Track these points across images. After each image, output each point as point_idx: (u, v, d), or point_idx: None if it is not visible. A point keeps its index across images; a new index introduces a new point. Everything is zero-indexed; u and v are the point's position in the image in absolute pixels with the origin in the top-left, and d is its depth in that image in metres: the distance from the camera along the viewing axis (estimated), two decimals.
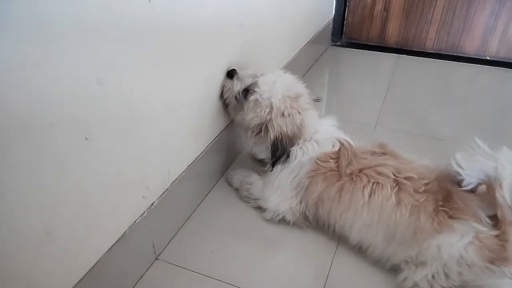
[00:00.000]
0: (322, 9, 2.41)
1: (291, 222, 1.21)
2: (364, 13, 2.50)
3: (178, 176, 1.16)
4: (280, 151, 1.16)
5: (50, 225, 0.74)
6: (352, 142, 1.17)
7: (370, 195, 1.04)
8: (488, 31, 2.27)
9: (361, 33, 2.58)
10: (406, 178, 1.03)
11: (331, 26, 2.60)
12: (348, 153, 1.14)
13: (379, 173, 1.06)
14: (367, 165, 1.09)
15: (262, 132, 1.19)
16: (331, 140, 1.17)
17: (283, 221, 1.23)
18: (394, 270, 1.06)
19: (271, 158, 1.18)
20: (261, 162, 1.39)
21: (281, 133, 1.15)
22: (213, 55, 1.19)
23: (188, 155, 1.21)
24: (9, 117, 0.61)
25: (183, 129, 1.13)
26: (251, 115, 1.19)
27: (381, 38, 2.54)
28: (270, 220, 1.24)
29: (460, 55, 2.40)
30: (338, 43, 2.65)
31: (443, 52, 2.43)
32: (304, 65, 2.24)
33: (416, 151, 1.16)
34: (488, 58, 2.35)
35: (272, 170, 1.21)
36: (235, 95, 1.24)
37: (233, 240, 1.20)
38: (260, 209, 1.28)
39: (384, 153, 1.14)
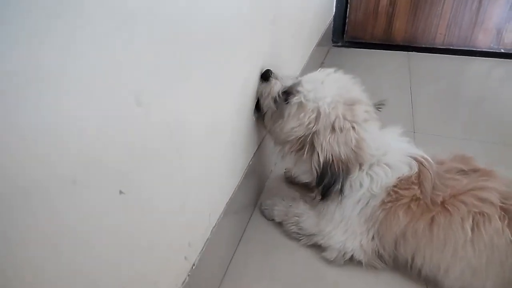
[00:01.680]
0: (324, 8, 2.19)
1: (363, 262, 0.95)
2: (367, 9, 2.31)
3: (218, 219, 0.88)
4: (329, 179, 0.89)
5: None
6: (430, 159, 0.94)
7: (473, 230, 0.80)
8: (502, 22, 2.13)
9: (365, 31, 2.39)
10: None
11: (332, 26, 2.39)
12: (430, 174, 0.89)
13: (481, 200, 0.82)
14: (461, 190, 0.85)
15: (306, 148, 0.92)
16: (407, 160, 0.92)
17: (350, 261, 0.97)
18: None
19: (317, 186, 0.91)
20: (305, 186, 1.13)
21: (332, 154, 0.88)
22: (247, 56, 0.92)
23: (226, 188, 0.93)
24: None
25: (224, 155, 0.86)
26: (292, 123, 0.92)
27: (387, 36, 2.36)
28: (333, 262, 0.98)
29: (473, 49, 2.25)
30: (339, 44, 2.45)
31: (454, 47, 2.28)
32: (314, 70, 2.00)
33: (483, 159, 0.94)
34: (502, 50, 2.21)
35: (321, 200, 0.94)
36: (274, 98, 0.97)
37: None
38: (316, 246, 1.01)
39: (474, 171, 0.91)
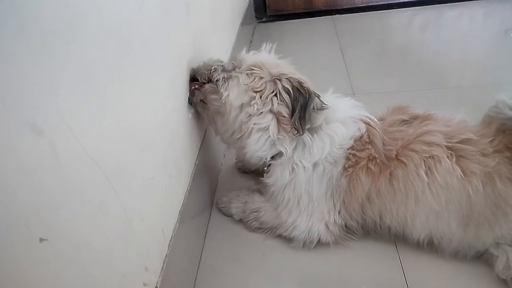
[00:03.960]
0: None
1: (331, 243, 0.94)
2: None
3: (173, 231, 0.82)
4: (304, 98, 0.85)
5: None
6: (374, 118, 0.93)
7: (428, 174, 0.81)
8: None
9: (286, 3, 2.35)
10: (462, 142, 0.82)
11: (252, 3, 2.33)
12: (378, 132, 0.89)
13: (428, 144, 0.83)
14: (409, 139, 0.86)
15: (268, 84, 0.87)
16: (355, 121, 0.90)
17: (318, 243, 0.94)
18: (482, 259, 0.86)
19: (294, 120, 0.85)
20: (258, 174, 1.09)
21: (297, 81, 0.86)
22: (167, 53, 0.84)
23: (175, 196, 0.86)
24: None
25: (164, 164, 0.79)
26: (250, 64, 0.90)
27: (308, 3, 2.34)
28: (303, 248, 0.95)
29: (391, 2, 2.30)
30: (264, 19, 2.40)
31: (374, 3, 2.31)
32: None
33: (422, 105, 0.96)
34: None
35: (302, 133, 0.85)
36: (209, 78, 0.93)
37: None
38: (281, 236, 0.98)
39: (415, 118, 0.91)
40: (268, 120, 0.87)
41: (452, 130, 0.85)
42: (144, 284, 0.66)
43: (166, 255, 0.77)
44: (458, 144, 0.82)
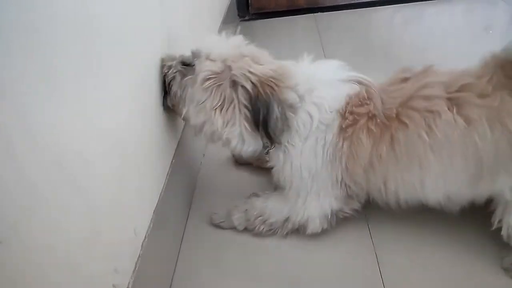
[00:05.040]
0: None
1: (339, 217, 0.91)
2: None
3: (147, 231, 0.80)
4: (263, 109, 0.78)
5: None
6: (369, 79, 0.86)
7: (428, 133, 0.75)
8: None
9: (269, 1, 2.34)
10: (461, 89, 0.75)
11: (235, 1, 2.32)
12: (374, 90, 0.82)
13: (427, 98, 0.76)
14: (408, 94, 0.78)
15: (227, 94, 0.81)
16: (344, 81, 0.84)
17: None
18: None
19: (258, 128, 0.81)
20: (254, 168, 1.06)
21: (251, 79, 0.79)
22: (139, 48, 0.82)
23: (149, 196, 0.85)
24: None
25: (135, 163, 0.77)
26: (205, 74, 0.82)
27: (291, 1, 2.34)
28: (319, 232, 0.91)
29: None
30: (247, 18, 2.39)
31: (356, 1, 2.32)
32: None
33: None
34: None
35: (271, 148, 0.84)
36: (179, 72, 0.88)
37: None
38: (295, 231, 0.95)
39: (415, 74, 0.84)
40: (238, 129, 0.83)
41: (452, 79, 0.77)
42: (114, 286, 0.64)
43: (138, 255, 0.75)
44: (457, 93, 0.75)
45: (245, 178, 1.18)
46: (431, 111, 0.75)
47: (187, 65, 0.88)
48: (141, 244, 0.77)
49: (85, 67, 0.58)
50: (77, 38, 0.56)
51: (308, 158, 0.84)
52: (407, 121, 0.77)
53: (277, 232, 0.95)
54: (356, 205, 0.91)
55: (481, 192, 0.78)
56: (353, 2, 2.32)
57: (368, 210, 0.97)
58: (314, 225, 0.90)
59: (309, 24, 2.21)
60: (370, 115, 0.79)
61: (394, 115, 0.78)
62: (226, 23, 2.07)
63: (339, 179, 0.85)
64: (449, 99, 0.75)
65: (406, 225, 0.95)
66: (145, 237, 0.79)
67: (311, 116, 0.81)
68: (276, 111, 0.79)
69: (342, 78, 0.85)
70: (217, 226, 1.01)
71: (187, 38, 1.20)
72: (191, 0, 1.36)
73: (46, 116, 0.48)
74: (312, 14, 2.32)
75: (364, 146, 0.79)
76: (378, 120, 0.79)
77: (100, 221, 0.61)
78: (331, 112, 0.81)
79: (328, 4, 2.33)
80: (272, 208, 0.93)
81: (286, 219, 0.92)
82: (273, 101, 0.79)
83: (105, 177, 0.64)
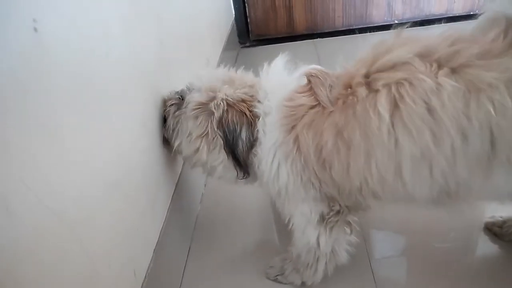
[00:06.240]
0: (221, 13, 2.15)
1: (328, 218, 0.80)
2: (265, 6, 2.31)
3: (147, 271, 0.79)
4: (231, 133, 0.78)
5: None
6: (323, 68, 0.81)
7: (396, 107, 0.62)
8: None
9: (268, 27, 2.39)
10: (454, 53, 0.61)
11: (235, 28, 2.37)
12: (320, 78, 0.75)
13: (395, 67, 0.64)
14: (376, 66, 0.67)
15: (209, 123, 0.81)
16: (291, 81, 0.81)
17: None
18: None
19: (230, 155, 0.81)
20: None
21: (222, 109, 0.79)
22: (140, 91, 0.83)
23: (150, 234, 0.84)
24: None
25: (136, 203, 0.77)
26: (191, 105, 0.83)
27: (290, 27, 2.38)
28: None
29: (370, 25, 2.35)
30: (247, 44, 2.43)
31: (353, 27, 2.36)
32: None
33: None
34: (396, 21, 2.33)
35: (243, 176, 0.83)
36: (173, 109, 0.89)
37: None
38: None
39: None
40: (221, 156, 0.83)
41: (428, 44, 0.64)
42: None
43: None
44: (445, 55, 0.61)
45: (249, 207, 1.17)
46: (400, 82, 0.62)
47: (183, 99, 0.89)
48: (141, 285, 0.76)
49: (87, 117, 0.59)
50: (75, 86, 0.57)
51: (277, 173, 0.78)
52: (351, 101, 0.67)
53: (323, 262, 0.85)
54: (351, 217, 0.82)
55: (497, 183, 0.62)
56: (351, 27, 2.36)
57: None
58: (310, 234, 0.81)
59: (308, 49, 2.24)
60: (311, 105, 0.72)
61: (343, 94, 0.69)
62: (228, 49, 2.10)
63: (305, 179, 0.75)
64: (429, 62, 0.62)
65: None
66: (145, 277, 0.78)
67: (265, 133, 0.77)
68: (243, 135, 0.78)
69: (287, 79, 0.82)
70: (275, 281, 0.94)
71: (188, 70, 1.22)
72: (191, 32, 1.38)
73: (41, 167, 0.49)
74: (311, 40, 2.35)
75: (306, 140, 0.71)
76: (320, 108, 0.71)
77: (98, 265, 0.61)
78: (277, 118, 0.76)
79: (327, 30, 2.38)
80: (294, 240, 0.87)
81: (308, 242, 0.82)
82: (242, 126, 0.78)
83: (104, 220, 0.63)
